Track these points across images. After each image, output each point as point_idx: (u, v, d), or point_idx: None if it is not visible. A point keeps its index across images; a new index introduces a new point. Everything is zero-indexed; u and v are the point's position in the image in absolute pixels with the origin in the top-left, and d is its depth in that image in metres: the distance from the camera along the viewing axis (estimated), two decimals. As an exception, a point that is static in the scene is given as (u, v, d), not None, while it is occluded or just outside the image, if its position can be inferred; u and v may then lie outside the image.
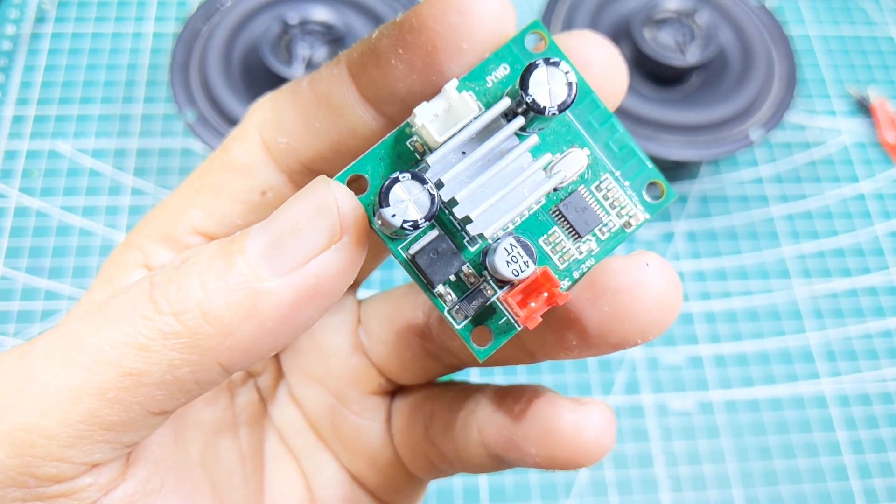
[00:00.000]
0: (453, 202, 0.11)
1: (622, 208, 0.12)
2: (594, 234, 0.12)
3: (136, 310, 0.11)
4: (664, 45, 0.38)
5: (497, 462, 0.15)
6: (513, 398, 0.14)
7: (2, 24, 0.46)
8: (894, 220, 0.43)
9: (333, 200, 0.11)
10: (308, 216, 0.11)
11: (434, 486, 0.34)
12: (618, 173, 0.12)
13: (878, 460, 0.36)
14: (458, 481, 0.34)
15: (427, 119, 0.11)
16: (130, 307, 0.11)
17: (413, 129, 0.12)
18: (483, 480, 0.34)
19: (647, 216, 0.12)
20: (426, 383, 0.17)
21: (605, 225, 0.12)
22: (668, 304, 0.12)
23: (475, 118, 0.11)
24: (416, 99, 0.12)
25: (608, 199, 0.12)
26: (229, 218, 0.14)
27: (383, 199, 0.11)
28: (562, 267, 0.12)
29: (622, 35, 0.41)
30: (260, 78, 0.37)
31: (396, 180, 0.11)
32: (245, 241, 0.11)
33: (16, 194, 0.40)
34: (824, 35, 0.51)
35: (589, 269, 0.12)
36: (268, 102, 0.14)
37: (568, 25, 0.40)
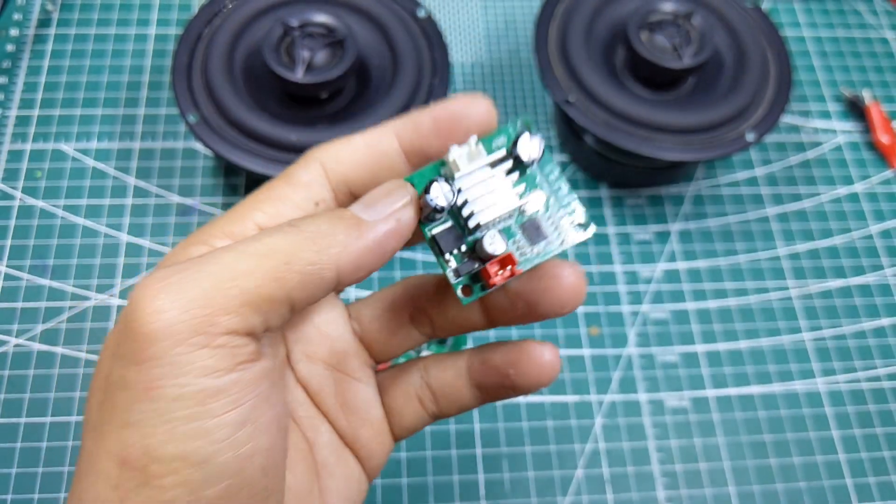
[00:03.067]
0: (464, 203, 0.19)
1: (562, 231, 0.20)
2: (542, 244, 0.20)
3: (286, 229, 0.17)
4: (660, 47, 0.39)
5: (479, 394, 0.22)
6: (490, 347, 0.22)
7: (6, 26, 0.46)
8: (888, 221, 0.44)
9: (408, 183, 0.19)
10: (396, 186, 0.19)
11: (433, 483, 0.34)
12: (561, 211, 0.20)
13: (871, 458, 0.37)
14: (456, 478, 0.35)
15: (457, 156, 0.19)
16: (282, 227, 0.18)
17: (447, 161, 0.19)
18: (481, 477, 0.35)
19: (579, 238, 0.20)
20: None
21: (549, 239, 0.20)
22: (576, 289, 0.20)
23: (484, 160, 0.19)
24: (438, 156, 0.20)
25: (554, 224, 0.20)
26: (287, 219, 0.19)
27: (426, 190, 0.18)
28: (519, 259, 0.20)
29: (618, 38, 0.41)
30: (262, 80, 0.38)
31: (436, 180, 0.18)
32: (348, 208, 0.19)
33: (20, 194, 0.41)
34: (818, 37, 0.51)
35: (536, 263, 0.20)
36: (329, 145, 0.21)
37: (564, 29, 0.40)
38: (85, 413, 0.18)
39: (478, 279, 0.19)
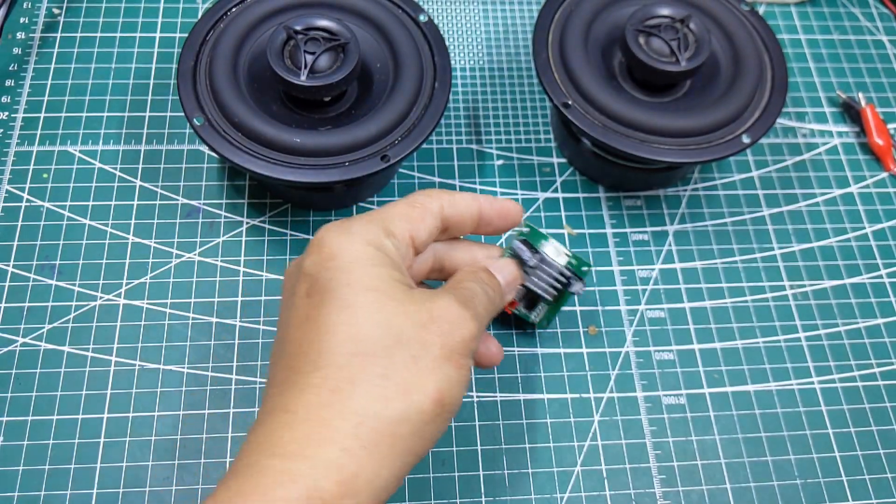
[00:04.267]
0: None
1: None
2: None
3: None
4: (657, 51, 0.39)
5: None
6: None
7: (12, 30, 0.47)
8: (883, 222, 0.44)
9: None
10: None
11: (434, 480, 0.35)
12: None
13: (866, 455, 0.37)
14: (456, 476, 0.35)
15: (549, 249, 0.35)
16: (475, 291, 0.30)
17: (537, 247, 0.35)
18: (481, 474, 0.35)
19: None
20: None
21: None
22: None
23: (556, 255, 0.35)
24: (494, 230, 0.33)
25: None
26: (422, 234, 0.30)
27: (522, 245, 0.34)
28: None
29: (616, 42, 0.42)
30: (265, 84, 0.38)
31: (526, 242, 0.34)
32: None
33: (26, 196, 0.41)
34: (814, 40, 0.52)
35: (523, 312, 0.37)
36: (448, 193, 0.31)
37: (563, 33, 0.41)
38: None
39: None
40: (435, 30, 0.40)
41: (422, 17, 0.40)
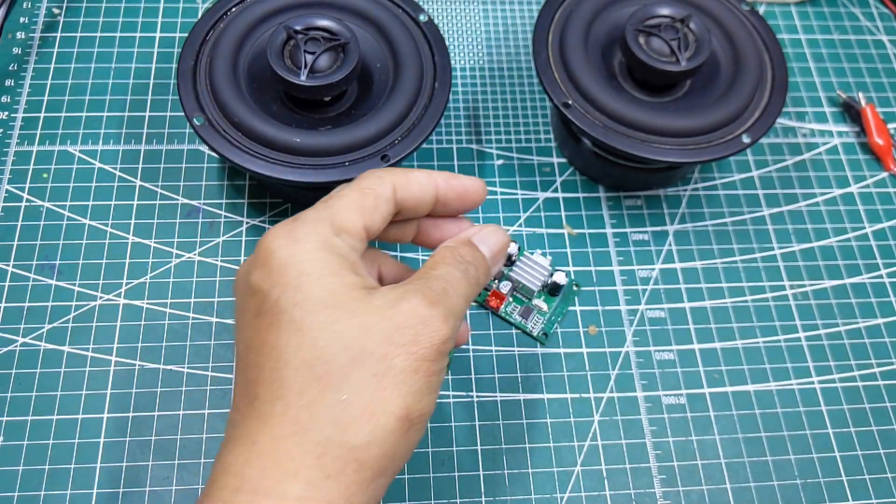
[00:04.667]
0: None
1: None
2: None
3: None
4: (658, 51, 0.39)
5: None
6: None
7: (12, 29, 0.47)
8: (883, 222, 0.44)
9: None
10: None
11: (434, 480, 0.35)
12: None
13: (866, 455, 0.37)
14: (457, 475, 0.35)
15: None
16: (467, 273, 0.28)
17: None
18: (481, 474, 0.35)
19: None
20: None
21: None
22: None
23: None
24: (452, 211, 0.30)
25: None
26: (376, 223, 0.27)
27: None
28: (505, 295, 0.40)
29: (616, 42, 0.42)
30: (265, 84, 0.38)
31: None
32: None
33: (26, 195, 0.41)
34: (815, 39, 0.52)
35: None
36: (402, 172, 0.28)
37: (563, 33, 0.41)
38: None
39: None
40: (435, 30, 0.40)
41: (422, 17, 0.40)
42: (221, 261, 0.40)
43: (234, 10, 0.40)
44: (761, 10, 0.53)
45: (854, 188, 0.46)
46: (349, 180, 0.35)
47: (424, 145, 0.41)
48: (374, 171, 0.28)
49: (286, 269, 0.24)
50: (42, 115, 0.44)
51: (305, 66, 0.36)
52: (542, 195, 0.44)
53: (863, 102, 0.48)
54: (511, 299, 0.40)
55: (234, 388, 0.26)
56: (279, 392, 0.23)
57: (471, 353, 0.38)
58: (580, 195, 0.44)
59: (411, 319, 0.24)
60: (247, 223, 0.41)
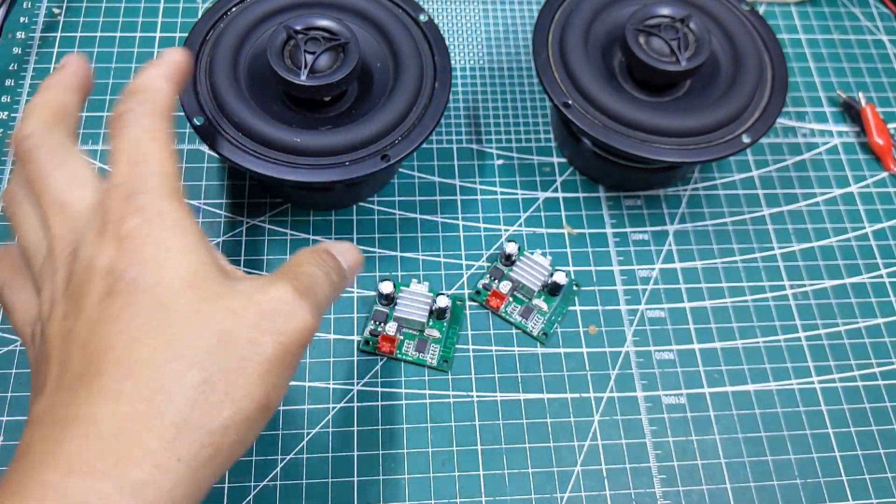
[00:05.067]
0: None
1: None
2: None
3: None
4: (657, 51, 0.39)
5: None
6: None
7: (12, 29, 0.47)
8: (883, 222, 0.44)
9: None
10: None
11: (434, 480, 0.35)
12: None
13: (866, 455, 0.37)
14: (457, 475, 0.35)
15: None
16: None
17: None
18: (481, 474, 0.35)
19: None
20: None
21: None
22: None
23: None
24: None
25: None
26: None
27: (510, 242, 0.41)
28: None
29: (616, 41, 0.42)
30: (266, 84, 0.38)
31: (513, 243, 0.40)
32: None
33: (26, 196, 0.41)
34: (815, 39, 0.52)
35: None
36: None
37: (563, 33, 0.41)
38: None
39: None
40: (435, 29, 0.40)
41: (422, 17, 0.40)
42: (221, 261, 0.40)
43: (234, 10, 0.40)
44: (761, 10, 0.53)
45: (854, 188, 0.46)
46: (349, 180, 0.36)
47: (424, 145, 0.41)
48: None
49: (144, 247, 0.23)
50: (42, 115, 0.44)
51: (305, 66, 0.36)
52: (542, 195, 0.44)
53: (863, 102, 0.48)
54: (511, 299, 0.40)
55: (48, 367, 0.23)
56: (131, 371, 0.22)
57: (471, 353, 0.38)
58: (580, 195, 0.44)
59: (281, 306, 0.24)
60: (247, 223, 0.41)
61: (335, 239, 0.41)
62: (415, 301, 0.38)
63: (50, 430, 0.21)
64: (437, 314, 0.38)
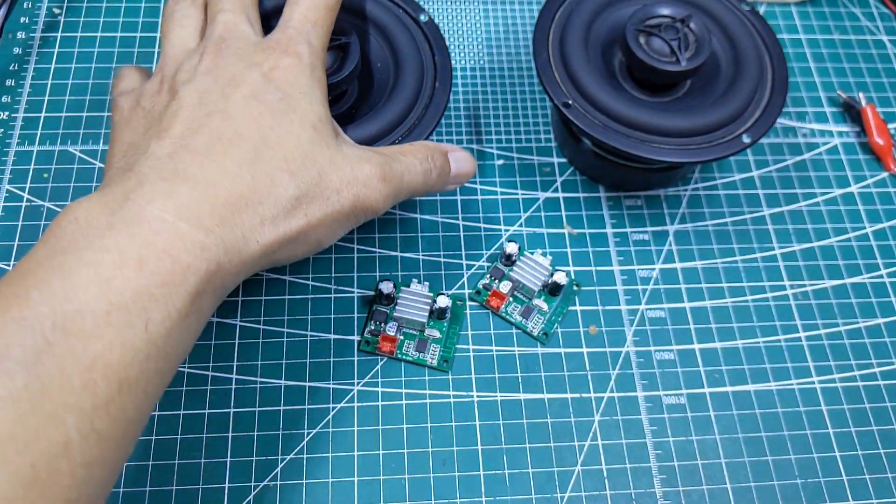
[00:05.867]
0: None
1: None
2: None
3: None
4: (658, 51, 0.39)
5: None
6: None
7: (13, 29, 0.47)
8: (884, 222, 0.44)
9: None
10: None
11: (434, 480, 0.35)
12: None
13: (867, 455, 0.37)
14: (457, 475, 0.35)
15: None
16: None
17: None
18: (481, 474, 0.35)
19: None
20: None
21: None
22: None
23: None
24: None
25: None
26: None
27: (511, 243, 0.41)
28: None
29: (616, 41, 0.42)
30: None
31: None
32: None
33: (27, 196, 0.41)
34: (815, 39, 0.52)
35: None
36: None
37: (563, 33, 0.41)
38: None
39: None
40: (435, 29, 0.40)
41: (422, 17, 0.40)
42: (222, 261, 0.40)
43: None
44: (761, 10, 0.53)
45: (854, 188, 0.46)
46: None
47: (425, 145, 0.41)
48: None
49: (294, 81, 0.30)
50: (43, 115, 0.44)
51: None
52: (542, 195, 0.44)
53: (863, 102, 0.48)
54: (511, 299, 0.40)
55: (170, 120, 0.29)
56: (253, 165, 0.28)
57: (471, 353, 0.38)
58: (580, 195, 0.44)
59: (367, 180, 0.30)
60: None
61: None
62: (415, 301, 0.38)
63: (171, 177, 0.27)
64: (437, 314, 0.38)
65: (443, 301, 0.37)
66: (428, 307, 0.38)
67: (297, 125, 0.29)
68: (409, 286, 0.39)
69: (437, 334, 0.38)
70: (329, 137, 0.30)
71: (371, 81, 0.39)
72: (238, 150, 0.28)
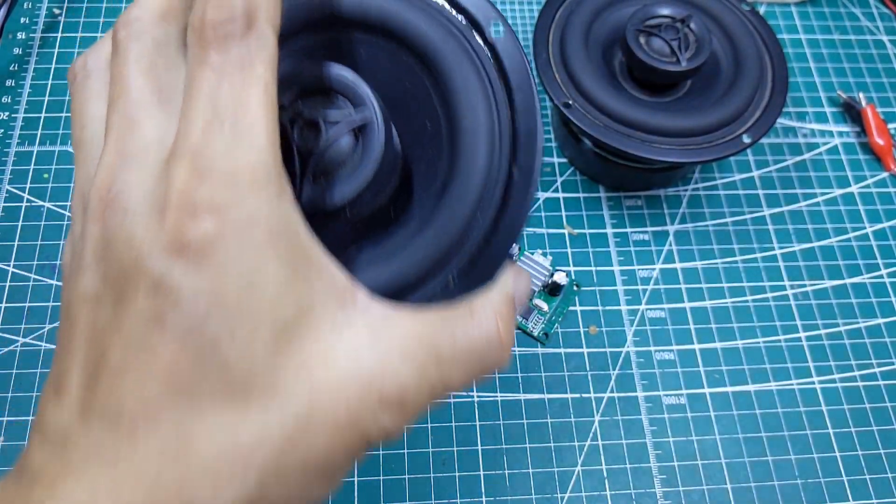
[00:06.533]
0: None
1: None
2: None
3: None
4: (658, 51, 0.39)
5: None
6: None
7: (13, 29, 0.47)
8: (883, 222, 0.44)
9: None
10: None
11: (435, 480, 0.35)
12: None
13: (866, 455, 0.37)
14: (457, 475, 0.35)
15: None
16: None
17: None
18: (482, 474, 0.35)
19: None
20: None
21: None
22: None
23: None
24: None
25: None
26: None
27: None
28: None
29: (616, 42, 0.42)
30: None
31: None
32: None
33: (27, 196, 0.41)
34: (815, 40, 0.52)
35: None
36: None
37: (563, 33, 0.41)
38: None
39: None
40: (517, 52, 0.21)
41: (493, 31, 0.21)
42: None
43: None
44: (761, 10, 0.53)
45: (854, 188, 0.46)
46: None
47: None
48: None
49: (220, 272, 0.16)
50: (43, 115, 0.44)
51: (303, 175, 0.20)
52: (542, 195, 0.44)
53: (863, 102, 0.48)
54: None
55: (70, 352, 0.17)
56: (186, 436, 0.16)
57: (471, 353, 0.38)
58: (581, 195, 0.44)
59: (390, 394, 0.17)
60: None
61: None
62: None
63: (81, 465, 0.16)
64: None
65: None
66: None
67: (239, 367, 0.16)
68: None
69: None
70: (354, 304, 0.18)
71: (409, 166, 0.23)
72: (164, 418, 0.16)
